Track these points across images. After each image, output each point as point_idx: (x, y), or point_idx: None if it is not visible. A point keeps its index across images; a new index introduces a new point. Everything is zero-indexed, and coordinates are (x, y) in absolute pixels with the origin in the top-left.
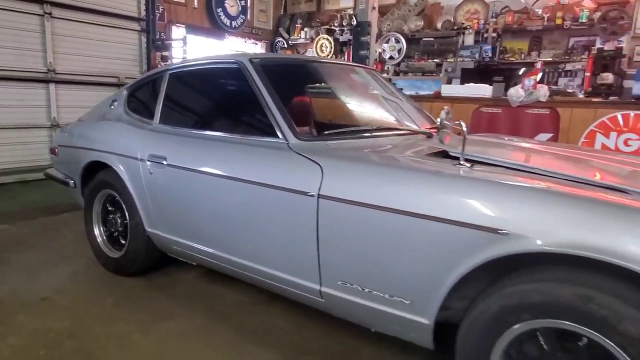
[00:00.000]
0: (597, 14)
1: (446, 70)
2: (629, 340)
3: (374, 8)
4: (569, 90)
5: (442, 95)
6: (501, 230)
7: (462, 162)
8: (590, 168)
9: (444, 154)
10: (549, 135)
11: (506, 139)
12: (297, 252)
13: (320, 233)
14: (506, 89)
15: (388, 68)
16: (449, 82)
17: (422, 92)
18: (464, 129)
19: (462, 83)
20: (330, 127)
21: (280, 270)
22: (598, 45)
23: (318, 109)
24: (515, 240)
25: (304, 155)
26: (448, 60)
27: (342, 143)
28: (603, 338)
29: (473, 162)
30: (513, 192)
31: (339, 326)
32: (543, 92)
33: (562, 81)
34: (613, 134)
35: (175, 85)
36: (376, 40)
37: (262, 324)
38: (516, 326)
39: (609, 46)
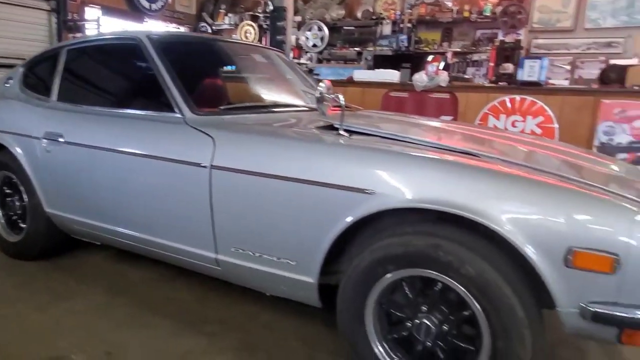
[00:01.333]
0: (499, 8)
1: (366, 58)
2: (469, 280)
3: None
4: (466, 77)
5: (355, 80)
6: (367, 190)
7: (341, 132)
8: (454, 137)
9: (331, 127)
10: (450, 117)
11: (399, 116)
12: (194, 222)
13: (213, 202)
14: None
15: (312, 56)
16: (378, 58)
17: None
18: (342, 102)
19: (374, 69)
20: (228, 103)
21: (178, 242)
22: (500, 37)
23: (217, 87)
24: (380, 199)
25: (198, 129)
26: (368, 49)
27: (237, 118)
28: (450, 280)
29: (352, 132)
30: (378, 156)
31: (240, 297)
32: (443, 77)
33: (470, 71)
34: (502, 116)
35: (73, 61)
36: (299, 28)
37: (164, 297)
38: (384, 278)
39: (509, 38)
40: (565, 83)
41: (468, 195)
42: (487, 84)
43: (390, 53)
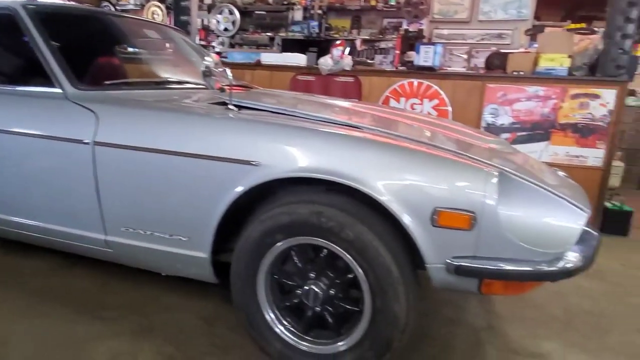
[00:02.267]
0: None
1: (278, 44)
2: (349, 243)
3: None
4: (369, 61)
5: (263, 63)
6: (253, 161)
7: (230, 107)
8: (343, 113)
9: (223, 103)
10: (355, 100)
11: (300, 95)
12: (80, 203)
13: (99, 181)
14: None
15: (223, 40)
16: (287, 42)
17: None
18: (230, 77)
19: (284, 53)
20: (115, 78)
21: (67, 226)
22: (404, 26)
23: (106, 63)
24: (265, 170)
25: (80, 104)
26: (280, 34)
27: (124, 93)
28: (333, 245)
29: (242, 107)
30: (262, 128)
31: (142, 281)
32: (347, 61)
33: (378, 58)
34: (402, 99)
35: None
36: (209, 11)
37: (63, 287)
38: (274, 247)
39: (413, 28)
40: (463, 70)
41: (346, 164)
42: (387, 69)
43: (302, 38)
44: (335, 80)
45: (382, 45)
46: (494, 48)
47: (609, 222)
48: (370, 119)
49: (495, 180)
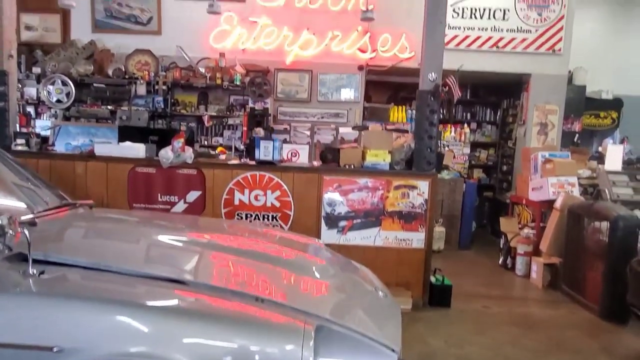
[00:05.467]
0: (248, 79)
1: (120, 117)
2: None
3: (10, 56)
4: (212, 153)
5: (97, 154)
6: (54, 347)
7: (30, 271)
8: (172, 254)
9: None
10: (199, 192)
11: (131, 217)
12: None
13: None
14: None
15: (57, 112)
16: (125, 129)
17: (97, 140)
18: (27, 236)
19: (119, 142)
20: None
21: None
22: (250, 104)
23: None
24: (70, 356)
25: None
26: (122, 107)
27: None
28: None
29: (48, 263)
30: (62, 306)
31: None
32: (189, 154)
33: (227, 133)
34: (246, 191)
35: None
36: (38, 81)
37: None
38: None
39: (258, 106)
40: (306, 147)
41: (149, 341)
42: (230, 162)
43: (146, 114)
44: (178, 173)
45: (230, 121)
46: (332, 126)
47: (434, 296)
48: (201, 259)
49: (311, 343)
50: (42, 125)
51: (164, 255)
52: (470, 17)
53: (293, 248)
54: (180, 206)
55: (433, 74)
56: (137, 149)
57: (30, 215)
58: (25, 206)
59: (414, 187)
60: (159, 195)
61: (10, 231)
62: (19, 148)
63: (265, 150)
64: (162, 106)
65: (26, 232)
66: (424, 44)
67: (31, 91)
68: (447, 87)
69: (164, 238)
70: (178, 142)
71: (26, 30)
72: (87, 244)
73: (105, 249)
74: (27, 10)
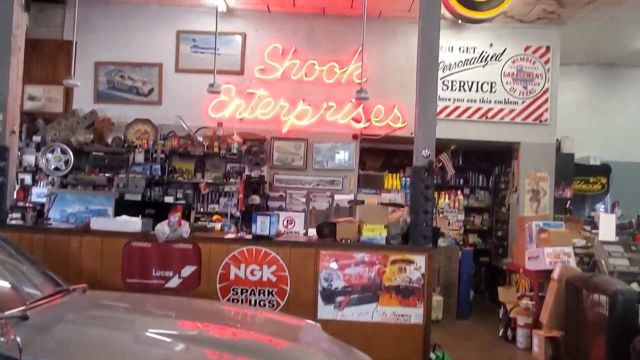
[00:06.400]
0: (245, 147)
1: (118, 185)
2: None
3: (13, 132)
4: (208, 227)
5: (93, 229)
6: None
7: None
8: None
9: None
10: (194, 267)
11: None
12: None
13: None
14: (163, 219)
15: (54, 180)
16: (122, 197)
17: (92, 207)
18: (19, 343)
19: (116, 215)
20: None
21: None
22: (247, 172)
23: None
24: None
25: None
26: (120, 175)
27: None
28: None
29: None
30: None
31: None
32: (185, 229)
33: (223, 200)
34: (242, 265)
35: None
36: (38, 149)
37: None
38: None
39: (254, 174)
40: (302, 215)
41: None
42: (226, 237)
43: (137, 200)
44: (173, 247)
45: (227, 188)
46: (328, 193)
47: None
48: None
49: None
50: (39, 193)
51: (153, 356)
52: (460, 89)
53: (287, 337)
54: (175, 281)
55: (426, 150)
56: (133, 223)
57: (22, 308)
58: (17, 295)
59: (410, 262)
60: (154, 270)
61: (2, 338)
62: (14, 222)
63: (262, 225)
64: (159, 174)
65: (18, 339)
66: (417, 122)
67: (30, 159)
68: (440, 163)
69: (155, 332)
70: (174, 217)
71: (29, 100)
72: (76, 342)
73: (94, 353)
74: (32, 82)
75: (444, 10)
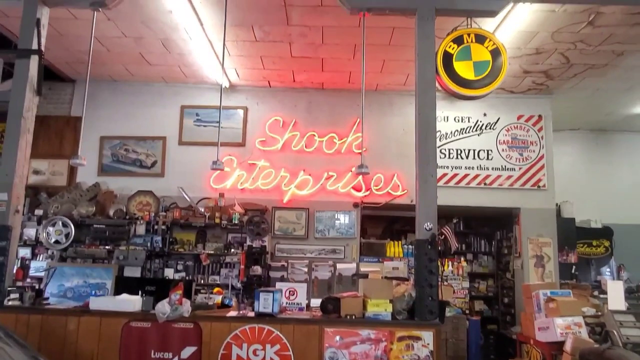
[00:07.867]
0: (246, 218)
1: (118, 257)
2: None
3: (17, 211)
4: (209, 304)
5: (91, 309)
6: None
7: None
8: None
9: None
10: (194, 348)
11: None
12: None
13: None
14: (164, 296)
15: (53, 253)
16: (121, 269)
17: (91, 281)
18: None
19: (116, 293)
20: None
21: None
22: (248, 242)
23: None
24: None
25: None
26: (120, 247)
27: None
28: None
29: None
30: None
31: None
32: (186, 307)
33: (224, 271)
34: (245, 345)
35: None
36: (39, 222)
37: None
38: None
39: (256, 244)
40: (304, 285)
41: None
42: (228, 315)
43: (144, 254)
44: (174, 327)
45: (228, 259)
46: (330, 262)
47: None
48: None
49: None
50: (37, 267)
51: None
52: (457, 157)
53: None
54: None
55: (429, 223)
56: (133, 302)
57: None
58: None
59: (418, 339)
60: (152, 351)
61: None
62: (11, 303)
63: (264, 302)
64: (160, 245)
65: None
66: (418, 195)
67: (30, 232)
68: (443, 236)
69: None
70: (175, 295)
71: (34, 174)
72: None
73: None
74: (38, 156)
75: (438, 85)
